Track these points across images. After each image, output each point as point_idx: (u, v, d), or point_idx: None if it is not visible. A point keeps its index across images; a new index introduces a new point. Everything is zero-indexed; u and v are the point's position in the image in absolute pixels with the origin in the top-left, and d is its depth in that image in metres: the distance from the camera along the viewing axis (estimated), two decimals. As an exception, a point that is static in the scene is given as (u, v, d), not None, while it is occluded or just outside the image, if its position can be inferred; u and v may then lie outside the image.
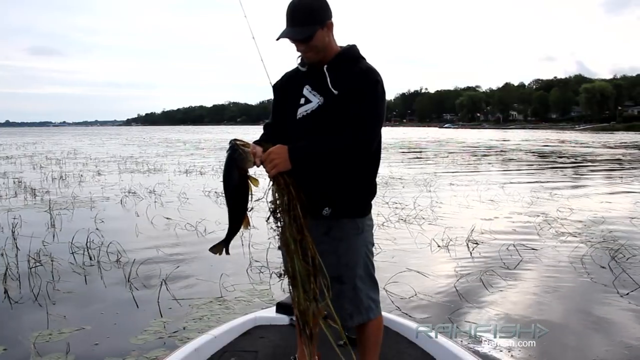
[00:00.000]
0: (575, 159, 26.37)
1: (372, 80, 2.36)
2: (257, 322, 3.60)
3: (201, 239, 7.88)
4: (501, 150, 34.53)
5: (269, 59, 2.66)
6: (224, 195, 2.42)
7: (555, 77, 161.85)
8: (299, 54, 2.47)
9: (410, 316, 4.65)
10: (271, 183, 2.37)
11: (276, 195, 2.37)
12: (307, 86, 2.45)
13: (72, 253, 6.83)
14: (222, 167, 2.38)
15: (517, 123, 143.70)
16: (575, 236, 7.94)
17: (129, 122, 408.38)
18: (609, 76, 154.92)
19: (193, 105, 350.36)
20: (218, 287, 5.52)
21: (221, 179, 2.43)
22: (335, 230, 2.46)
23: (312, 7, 2.32)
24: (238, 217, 2.45)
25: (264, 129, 2.66)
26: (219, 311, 4.91)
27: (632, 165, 22.46)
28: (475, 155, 28.98)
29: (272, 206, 2.40)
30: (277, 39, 2.36)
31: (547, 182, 15.74)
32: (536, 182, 15.76)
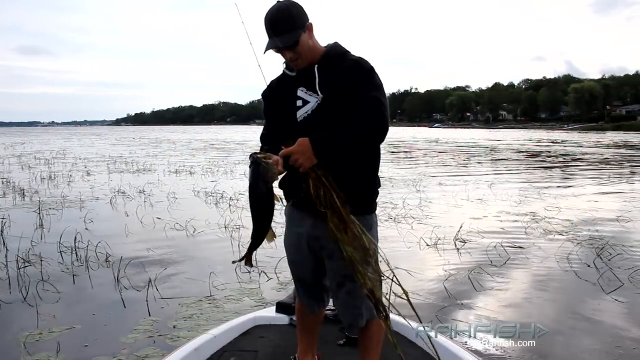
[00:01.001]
0: (564, 159, 26.56)
1: (367, 68, 2.38)
2: (257, 322, 3.61)
3: (191, 239, 7.90)
4: (491, 150, 34.68)
5: (267, 64, 2.60)
6: (251, 211, 2.42)
7: (544, 77, 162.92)
8: (284, 60, 2.49)
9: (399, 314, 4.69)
10: (306, 179, 2.36)
11: (312, 190, 2.35)
12: (301, 88, 2.45)
13: (61, 253, 6.82)
14: (248, 180, 2.38)
15: (506, 123, 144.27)
16: (563, 235, 8.01)
17: (118, 122, 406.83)
18: (598, 76, 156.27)
19: (183, 105, 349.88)
20: (207, 286, 5.54)
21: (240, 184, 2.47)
22: None
23: (292, 14, 2.35)
24: (263, 231, 2.44)
25: (262, 140, 2.65)
26: (209, 310, 4.93)
27: (620, 165, 22.64)
28: (465, 155, 29.10)
29: (312, 201, 2.37)
30: (265, 52, 2.41)
31: (536, 181, 15.84)
32: (525, 181, 15.85)
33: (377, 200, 2.58)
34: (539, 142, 48.66)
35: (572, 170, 20.72)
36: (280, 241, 6.99)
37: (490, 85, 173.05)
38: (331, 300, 2.78)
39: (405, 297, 2.39)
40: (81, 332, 4.45)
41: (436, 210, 10.23)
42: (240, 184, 14.72)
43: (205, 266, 6.29)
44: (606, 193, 13.33)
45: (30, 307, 5.00)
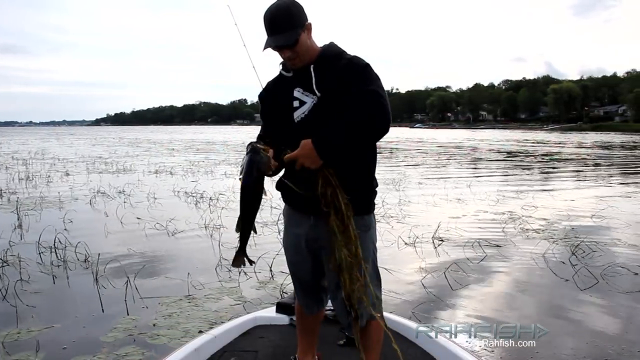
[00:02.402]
0: (542, 159, 26.88)
1: (361, 64, 2.36)
2: (257, 322, 3.61)
3: (170, 238, 7.91)
4: (471, 150, 34.96)
5: (260, 65, 2.46)
6: (240, 198, 2.37)
7: (524, 78, 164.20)
8: (281, 60, 2.49)
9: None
10: (316, 176, 2.34)
11: (319, 188, 2.34)
12: (297, 89, 2.44)
13: (40, 253, 6.80)
14: (241, 168, 2.32)
15: (486, 123, 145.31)
16: (539, 233, 8.15)
17: (98, 122, 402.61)
18: (576, 77, 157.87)
19: (163, 105, 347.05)
20: (187, 285, 5.57)
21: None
22: None
23: (292, 12, 2.34)
24: (251, 222, 2.43)
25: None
26: (188, 309, 4.95)
27: (597, 165, 22.98)
28: (445, 155, 29.32)
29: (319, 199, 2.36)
30: (264, 49, 2.38)
31: (514, 181, 16.06)
32: (503, 181, 16.06)
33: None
34: (518, 142, 49.12)
35: (550, 170, 21.00)
36: (259, 240, 7.05)
37: (470, 86, 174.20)
38: (328, 301, 2.79)
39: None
40: (60, 331, 4.45)
41: (415, 209, 10.34)
42: (220, 184, 14.75)
43: (184, 265, 6.31)
44: (582, 192, 13.55)
45: (8, 307, 4.99)
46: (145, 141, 52.61)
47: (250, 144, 2.32)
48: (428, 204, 11.02)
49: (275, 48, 2.38)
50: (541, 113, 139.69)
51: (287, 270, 5.94)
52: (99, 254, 6.47)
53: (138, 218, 9.31)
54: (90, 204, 11.23)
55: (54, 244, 6.94)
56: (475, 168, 21.36)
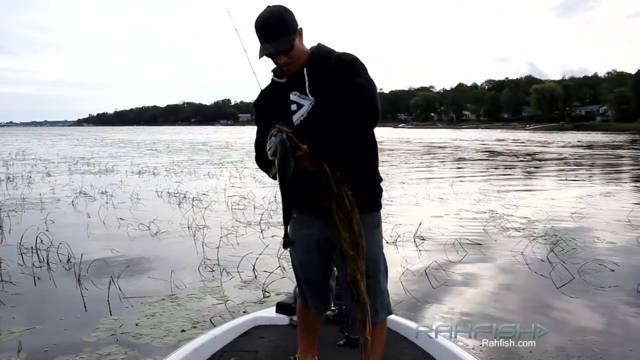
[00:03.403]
0: (524, 158, 27.13)
1: (349, 60, 2.39)
2: (257, 322, 3.62)
3: (153, 238, 7.91)
4: (454, 149, 35.18)
5: (260, 70, 2.36)
6: (280, 182, 2.31)
7: (506, 78, 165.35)
8: (272, 67, 2.52)
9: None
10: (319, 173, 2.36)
11: (323, 183, 2.36)
12: (293, 92, 2.46)
13: (22, 254, 6.76)
14: (272, 150, 2.25)
15: (470, 123, 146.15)
16: (519, 231, 8.26)
17: (80, 123, 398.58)
18: (559, 77, 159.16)
19: (146, 105, 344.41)
20: (170, 285, 5.58)
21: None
22: None
23: (285, 18, 2.36)
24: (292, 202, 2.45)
25: (257, 148, 2.59)
26: (171, 308, 4.97)
27: (578, 165, 23.24)
28: (428, 155, 29.50)
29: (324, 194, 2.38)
30: (260, 57, 2.39)
31: (496, 180, 16.19)
32: (485, 180, 16.19)
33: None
34: (501, 141, 49.50)
35: (532, 169, 21.21)
36: (242, 239, 7.08)
37: (453, 86, 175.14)
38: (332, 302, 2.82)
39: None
40: (42, 332, 4.45)
41: (397, 208, 10.40)
42: (203, 184, 14.75)
43: (167, 265, 6.31)
44: (563, 191, 13.71)
45: (-11, 308, 4.98)
46: (128, 142, 52.30)
47: (276, 127, 2.27)
48: (410, 204, 11.10)
49: (269, 55, 2.39)
50: (524, 113, 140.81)
51: (270, 270, 5.97)
52: (81, 255, 6.46)
53: (121, 219, 9.29)
54: (73, 204, 11.18)
55: (36, 245, 6.92)
56: (458, 168, 21.51)
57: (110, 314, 4.83)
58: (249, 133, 76.52)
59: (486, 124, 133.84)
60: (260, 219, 9.04)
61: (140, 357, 3.98)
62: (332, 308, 3.52)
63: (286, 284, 5.67)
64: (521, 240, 7.57)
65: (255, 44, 2.42)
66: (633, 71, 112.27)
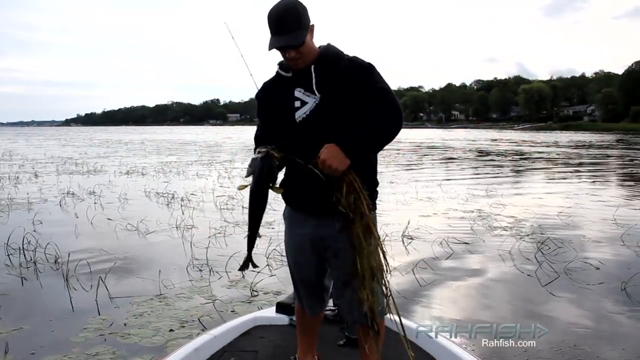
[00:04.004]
0: (512, 158, 27.28)
1: (364, 64, 2.39)
2: (257, 322, 3.62)
3: (142, 239, 7.90)
4: (443, 149, 35.30)
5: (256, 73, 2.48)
6: (250, 203, 2.41)
7: (495, 78, 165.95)
8: (279, 59, 2.50)
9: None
10: (338, 183, 2.33)
11: (343, 195, 2.32)
12: (298, 89, 2.44)
13: (9, 255, 6.73)
14: (250, 171, 2.33)
15: (458, 123, 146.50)
16: (506, 230, 8.32)
17: (68, 123, 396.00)
18: (547, 77, 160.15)
19: (135, 105, 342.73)
20: (158, 285, 5.58)
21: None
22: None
23: (299, 12, 2.32)
24: (258, 228, 2.48)
25: (256, 141, 2.58)
26: (159, 308, 4.97)
27: (565, 164, 23.40)
28: (417, 154, 29.58)
29: (342, 205, 2.33)
30: (270, 49, 2.35)
31: (484, 179, 16.28)
32: (473, 179, 16.28)
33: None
34: (489, 141, 49.70)
35: (520, 168, 21.35)
36: (229, 239, 7.10)
37: (442, 86, 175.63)
38: (330, 300, 2.81)
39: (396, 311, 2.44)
40: (30, 333, 4.44)
41: (385, 207, 10.41)
42: (192, 184, 14.73)
43: (155, 265, 6.31)
44: (550, 190, 13.80)
45: (-24, 309, 4.96)
46: (116, 142, 52.05)
47: (263, 149, 2.31)
48: (399, 203, 11.14)
49: (279, 48, 2.36)
50: (512, 113, 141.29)
51: (258, 269, 5.98)
52: (69, 255, 6.44)
53: (109, 219, 9.27)
54: (60, 205, 11.13)
55: (23, 246, 6.90)
56: (447, 167, 21.60)
57: (99, 314, 4.83)
58: (238, 133, 76.49)
59: (475, 124, 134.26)
60: (249, 219, 9.04)
61: (128, 356, 3.98)
62: (332, 308, 3.53)
63: (273, 283, 5.71)
64: (508, 239, 7.63)
65: (250, 47, 2.41)
66: (620, 72, 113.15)
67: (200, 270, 6.15)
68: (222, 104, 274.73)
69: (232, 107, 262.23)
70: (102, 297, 5.24)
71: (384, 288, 2.39)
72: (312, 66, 2.41)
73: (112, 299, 5.21)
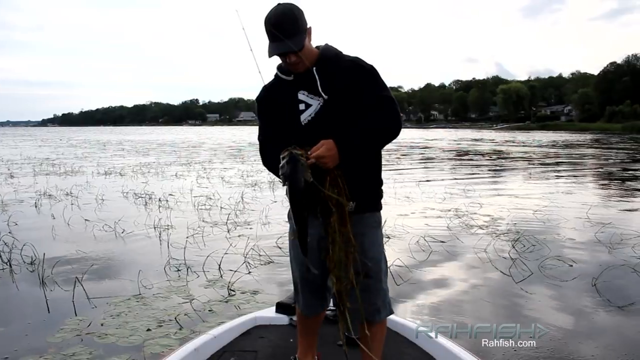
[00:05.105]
0: (490, 157, 27.55)
1: (367, 67, 2.41)
2: (257, 322, 3.63)
3: (119, 239, 7.88)
4: (422, 149, 35.50)
5: (265, 69, 2.34)
6: (291, 204, 2.38)
7: (473, 78, 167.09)
8: (277, 63, 2.51)
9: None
10: (325, 176, 2.35)
11: (327, 187, 2.34)
12: (301, 91, 2.45)
13: (-16, 256, 6.68)
14: (283, 176, 2.29)
15: (438, 122, 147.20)
16: (482, 229, 8.43)
17: (44, 123, 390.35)
18: (526, 78, 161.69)
19: (113, 106, 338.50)
20: (136, 285, 5.58)
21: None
22: (359, 226, 2.45)
23: (296, 17, 2.33)
24: (306, 225, 2.41)
25: (262, 145, 2.60)
26: (137, 308, 4.98)
27: (541, 162, 23.69)
28: (396, 154, 29.71)
29: (323, 195, 2.35)
30: (270, 56, 2.35)
31: (462, 179, 16.41)
32: (451, 179, 16.43)
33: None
34: (468, 141, 50.09)
35: (497, 168, 21.57)
36: (207, 239, 7.10)
37: (422, 86, 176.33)
38: (331, 300, 2.81)
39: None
40: (5, 334, 4.43)
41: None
42: (170, 184, 14.69)
43: (133, 265, 6.31)
44: (527, 189, 13.97)
45: (-50, 311, 4.92)
46: (94, 142, 51.60)
47: (289, 152, 2.27)
48: (377, 202, 11.17)
49: (277, 53, 2.36)
50: (491, 113, 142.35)
51: (235, 268, 5.99)
52: (45, 256, 6.39)
53: (86, 220, 9.21)
54: (36, 206, 11.03)
55: (-2, 247, 6.84)
56: (425, 167, 21.74)
57: (75, 315, 4.83)
58: (217, 134, 76.29)
59: (454, 124, 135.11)
60: (227, 219, 9.07)
61: (105, 356, 3.99)
62: (332, 308, 3.54)
63: (251, 283, 5.74)
64: (484, 238, 7.73)
65: (262, 43, 2.38)
66: (596, 72, 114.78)
67: (178, 270, 6.16)
68: (201, 104, 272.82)
69: (211, 107, 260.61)
70: (79, 298, 5.22)
71: (350, 278, 2.42)
72: (314, 68, 2.42)
73: (89, 300, 5.20)
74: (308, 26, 2.40)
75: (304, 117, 2.44)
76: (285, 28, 2.29)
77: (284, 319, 3.65)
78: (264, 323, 3.63)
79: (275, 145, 2.41)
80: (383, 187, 2.61)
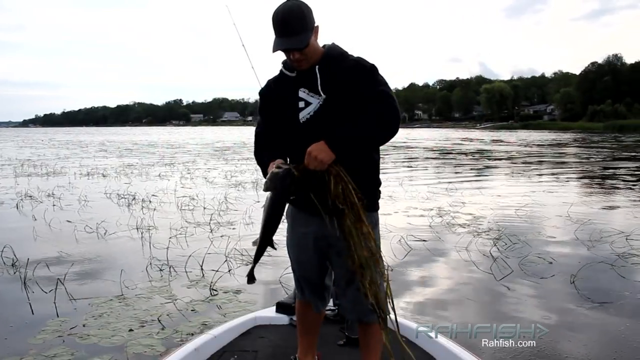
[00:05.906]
0: (473, 156, 27.73)
1: (368, 66, 2.39)
2: (257, 322, 3.63)
3: (101, 240, 7.85)
4: (405, 148, 35.61)
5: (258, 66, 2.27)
6: (265, 220, 2.39)
7: (457, 78, 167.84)
8: (283, 58, 2.50)
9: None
10: (326, 176, 2.34)
11: (332, 186, 2.33)
12: (302, 89, 2.44)
13: (-36, 259, 6.63)
14: (266, 186, 2.33)
15: (422, 122, 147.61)
16: (464, 228, 8.50)
17: (26, 124, 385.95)
18: (509, 77, 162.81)
19: (96, 106, 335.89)
20: (118, 285, 5.57)
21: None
22: None
23: (304, 14, 2.32)
24: (270, 242, 2.46)
25: (256, 137, 2.61)
26: (119, 309, 4.97)
27: (524, 163, 23.88)
28: (380, 154, 29.76)
29: (330, 197, 2.35)
30: (274, 52, 2.35)
31: (445, 178, 16.53)
32: (435, 178, 16.53)
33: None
34: (452, 140, 50.36)
35: (480, 167, 21.73)
36: (190, 238, 7.09)
37: (406, 86, 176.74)
38: (331, 300, 2.82)
39: (390, 302, 2.46)
40: (-15, 337, 4.41)
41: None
42: (153, 185, 14.63)
43: (115, 266, 6.29)
44: (509, 188, 14.09)
45: None
46: (77, 143, 51.20)
47: (288, 166, 2.32)
48: (360, 202, 11.21)
49: (283, 50, 2.37)
50: (474, 112, 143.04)
51: (216, 268, 6.01)
52: (27, 258, 6.36)
53: (68, 221, 9.17)
54: (17, 207, 10.93)
55: (-21, 249, 6.79)
56: (408, 166, 21.82)
57: (57, 316, 4.81)
58: (202, 134, 75.92)
59: (438, 123, 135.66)
60: (210, 219, 9.07)
61: (87, 357, 3.99)
62: (332, 308, 3.55)
63: (233, 282, 5.75)
64: (465, 236, 7.81)
65: (253, 39, 2.37)
66: (578, 72, 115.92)
67: (161, 270, 6.16)
68: (185, 104, 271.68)
69: (195, 107, 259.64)
70: (61, 299, 5.21)
71: (383, 275, 2.42)
72: (317, 67, 2.42)
73: (71, 301, 5.19)
74: (315, 24, 2.40)
75: (303, 115, 2.44)
76: (291, 25, 2.29)
77: (284, 319, 3.66)
78: (264, 323, 3.65)
79: (271, 141, 2.48)
80: (380, 188, 2.62)
